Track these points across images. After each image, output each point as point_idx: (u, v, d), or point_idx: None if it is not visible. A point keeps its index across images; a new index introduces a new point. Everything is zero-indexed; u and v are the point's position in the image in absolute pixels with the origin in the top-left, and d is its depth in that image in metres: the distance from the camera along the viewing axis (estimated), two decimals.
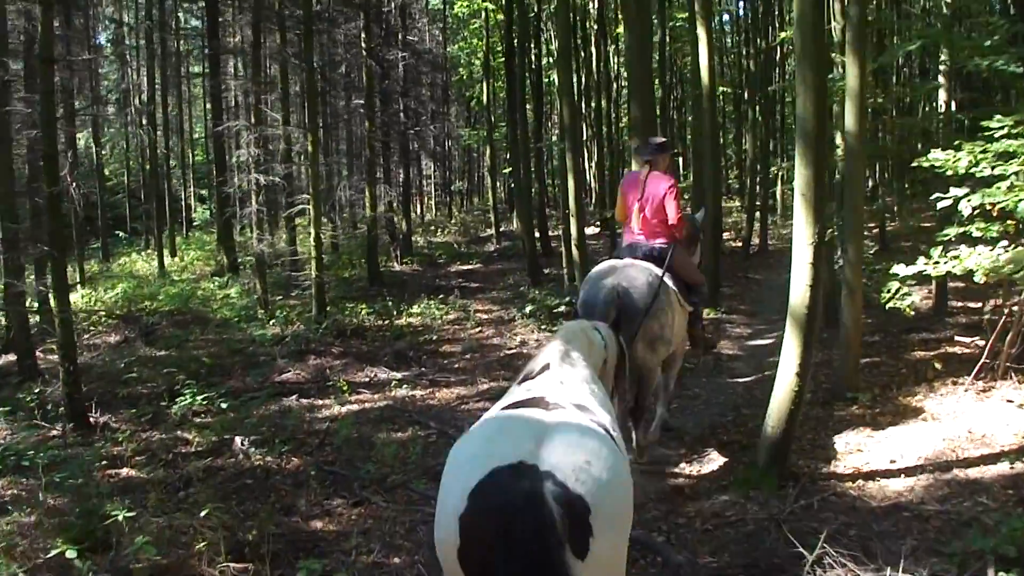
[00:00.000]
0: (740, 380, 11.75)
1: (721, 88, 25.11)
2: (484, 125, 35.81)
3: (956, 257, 8.31)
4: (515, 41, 24.52)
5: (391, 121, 26.38)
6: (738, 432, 9.34)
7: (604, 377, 5.43)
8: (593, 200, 34.36)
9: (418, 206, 42.85)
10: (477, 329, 16.24)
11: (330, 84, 27.40)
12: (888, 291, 9.49)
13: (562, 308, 15.92)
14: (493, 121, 33.17)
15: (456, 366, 13.70)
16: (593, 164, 30.89)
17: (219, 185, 23.24)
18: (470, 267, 25.72)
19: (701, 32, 16.91)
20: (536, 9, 28.46)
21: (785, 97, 29.81)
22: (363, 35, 22.51)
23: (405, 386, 12.22)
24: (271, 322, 16.41)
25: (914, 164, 9.93)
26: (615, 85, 34.80)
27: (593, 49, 30.46)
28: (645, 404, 8.21)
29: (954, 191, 8.31)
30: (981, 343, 10.37)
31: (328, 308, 17.09)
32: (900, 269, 8.70)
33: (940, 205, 8.65)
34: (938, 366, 10.48)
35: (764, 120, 27.44)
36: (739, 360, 13.03)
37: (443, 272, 24.74)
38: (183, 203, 43.23)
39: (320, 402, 11.72)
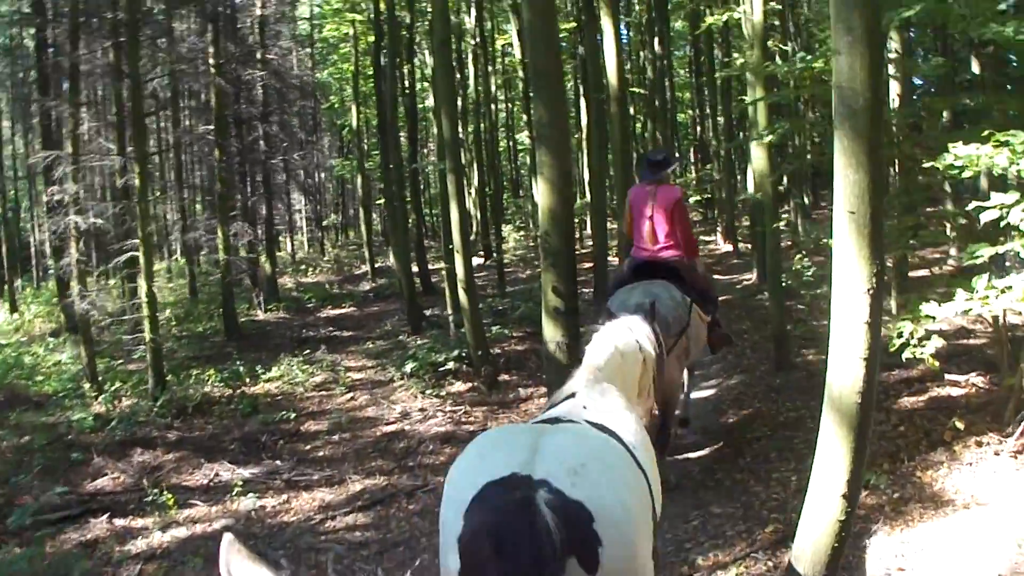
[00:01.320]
0: (693, 456, 9.01)
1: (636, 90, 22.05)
2: (356, 154, 32.76)
3: (1008, 288, 6.31)
4: (384, 60, 21.45)
5: (249, 149, 23.15)
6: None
7: (644, 376, 5.34)
8: (475, 229, 31.77)
9: (288, 244, 39.41)
10: (348, 396, 13.20)
11: (164, 105, 24.11)
12: (900, 335, 7.24)
13: (450, 365, 13.10)
14: (366, 149, 30.30)
15: (321, 454, 10.77)
16: (473, 191, 28.30)
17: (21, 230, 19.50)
18: (343, 311, 22.52)
19: (606, 22, 14.12)
20: (409, 28, 25.74)
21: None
22: (211, 49, 19.20)
23: (252, 494, 9.20)
24: (99, 399, 13.14)
25: (927, 164, 7.43)
26: (493, 107, 32.14)
27: (471, 67, 27.88)
28: (671, 423, 8.02)
29: (999, 197, 6.34)
30: (980, 381, 8.88)
31: (169, 377, 13.79)
32: (931, 309, 6.76)
33: (984, 217, 6.45)
34: (960, 425, 7.88)
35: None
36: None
37: (312, 319, 21.42)
38: (33, 248, 38.74)
39: (138, 523, 8.78)
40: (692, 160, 38.90)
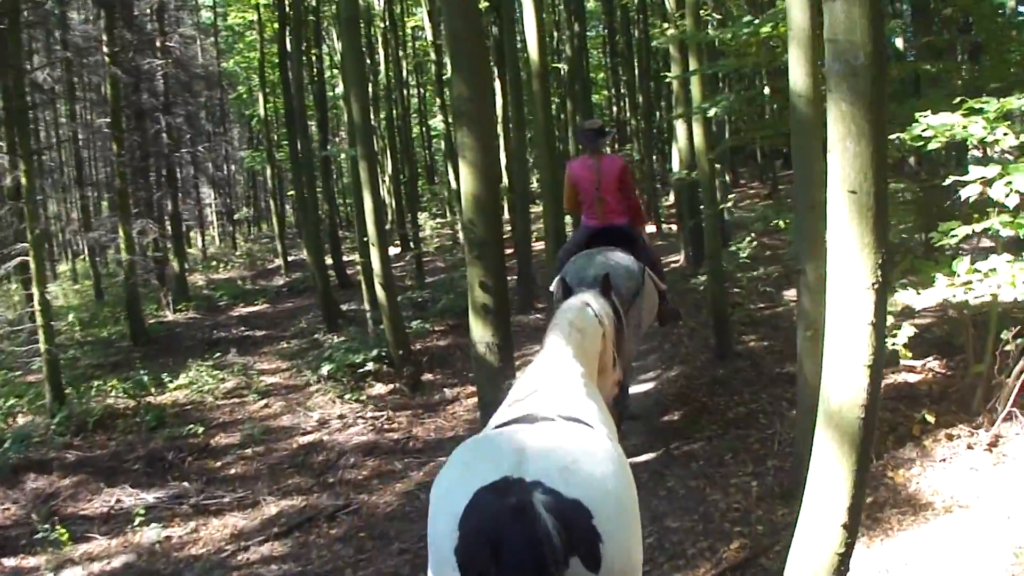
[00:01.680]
0: (640, 460, 8.06)
1: (559, 67, 20.95)
2: (266, 145, 31.55)
3: (993, 271, 5.85)
4: (290, 46, 20.28)
5: (151, 142, 21.95)
6: None
7: (605, 353, 5.14)
8: (391, 218, 30.85)
9: (199, 239, 38.05)
10: (262, 404, 12.23)
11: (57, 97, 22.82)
12: None
13: (369, 366, 12.25)
14: (275, 139, 29.20)
15: (232, 471, 9.85)
16: (387, 178, 27.35)
17: None
18: (256, 309, 21.45)
19: None
20: (315, 12, 24.67)
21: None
22: (105, 37, 17.96)
23: (156, 523, 8.30)
24: None
25: (893, 136, 6.70)
26: (405, 92, 31.23)
27: (381, 51, 26.92)
28: (627, 397, 8.17)
29: (979, 170, 5.76)
30: (937, 365, 8.51)
31: (69, 390, 12.65)
32: (909, 298, 6.19)
33: (965, 194, 5.90)
34: (930, 419, 7.31)
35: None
36: None
37: (224, 319, 20.30)
38: None
39: (29, 562, 7.86)
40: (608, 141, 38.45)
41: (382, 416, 10.91)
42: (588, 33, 31.68)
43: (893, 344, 6.78)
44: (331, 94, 31.47)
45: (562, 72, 25.65)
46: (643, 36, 28.80)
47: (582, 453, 3.21)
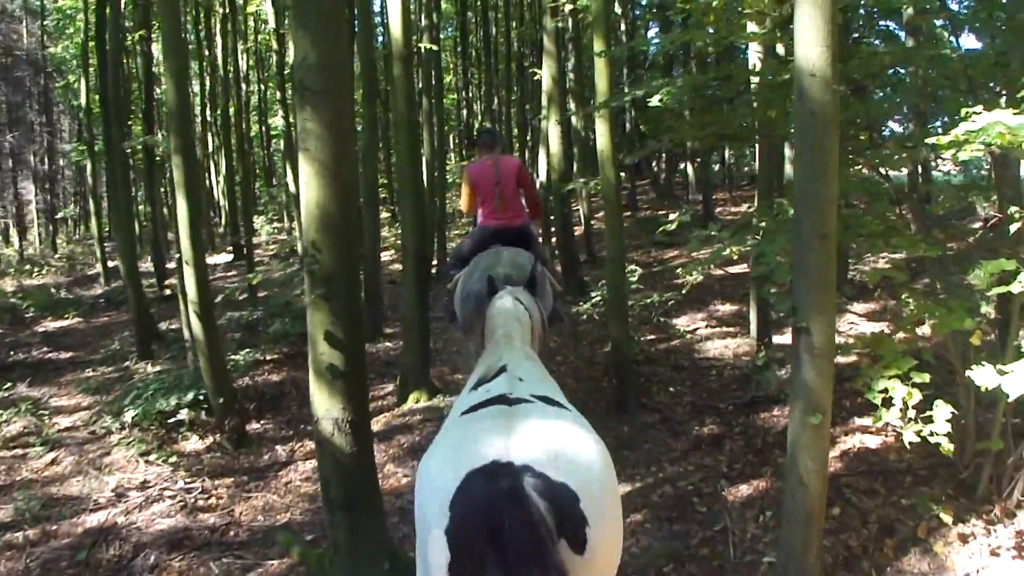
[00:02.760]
0: None
1: (426, 46, 18.09)
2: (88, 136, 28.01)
3: None
4: (108, 18, 17.10)
5: None
6: None
7: (535, 343, 5.15)
8: (224, 221, 27.87)
9: (16, 240, 34.15)
10: (49, 459, 9.39)
11: None
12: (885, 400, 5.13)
13: (183, 414, 9.60)
14: (96, 131, 25.85)
15: None
16: (222, 179, 24.50)
17: None
18: (66, 324, 18.29)
19: None
20: None
21: None
22: None
23: None
24: None
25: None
26: (245, 88, 28.56)
27: (219, 42, 24.15)
28: None
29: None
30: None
31: None
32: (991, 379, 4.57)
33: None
34: (946, 518, 5.48)
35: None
36: None
37: (28, 335, 17.11)
38: None
39: None
40: (452, 147, 36.07)
41: (196, 486, 8.26)
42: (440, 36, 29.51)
43: (929, 434, 4.89)
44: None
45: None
46: (506, 32, 26.72)
47: (566, 437, 3.16)
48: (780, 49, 8.38)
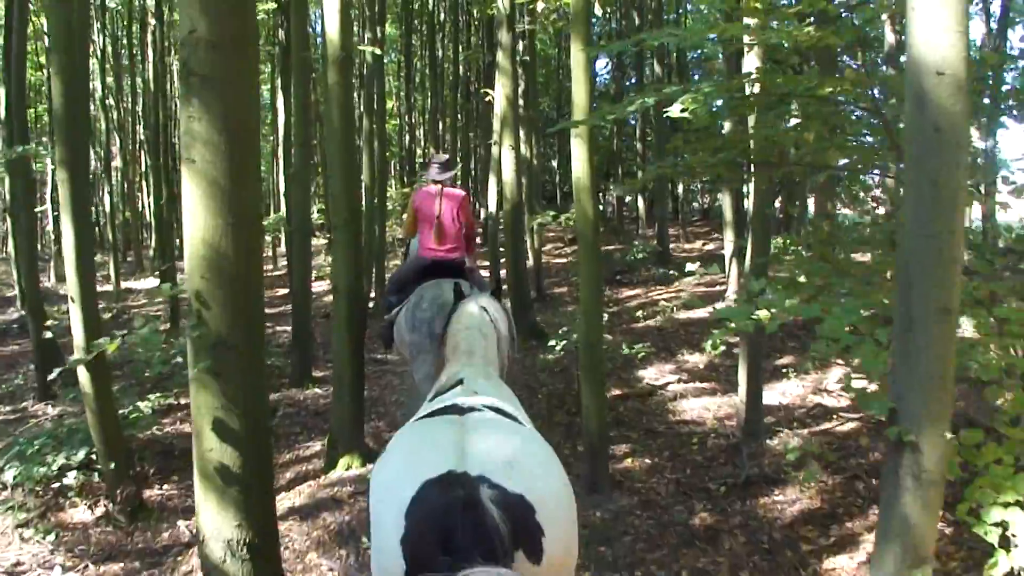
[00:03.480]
0: None
1: (368, 49, 16.22)
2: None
3: None
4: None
5: None
6: None
7: (500, 355, 5.19)
8: (153, 244, 26.02)
9: None
10: None
11: None
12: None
13: (70, 477, 7.93)
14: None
15: None
16: (151, 200, 22.72)
17: None
18: None
19: None
20: None
21: None
22: None
23: None
24: None
25: None
26: (176, 103, 26.71)
27: (150, 41, 22.56)
28: None
29: None
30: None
31: None
32: None
33: None
34: None
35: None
36: None
37: None
38: None
39: None
40: (393, 173, 34.37)
41: (81, 571, 6.65)
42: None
43: None
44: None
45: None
46: (453, 55, 25.31)
47: (521, 448, 3.10)
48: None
